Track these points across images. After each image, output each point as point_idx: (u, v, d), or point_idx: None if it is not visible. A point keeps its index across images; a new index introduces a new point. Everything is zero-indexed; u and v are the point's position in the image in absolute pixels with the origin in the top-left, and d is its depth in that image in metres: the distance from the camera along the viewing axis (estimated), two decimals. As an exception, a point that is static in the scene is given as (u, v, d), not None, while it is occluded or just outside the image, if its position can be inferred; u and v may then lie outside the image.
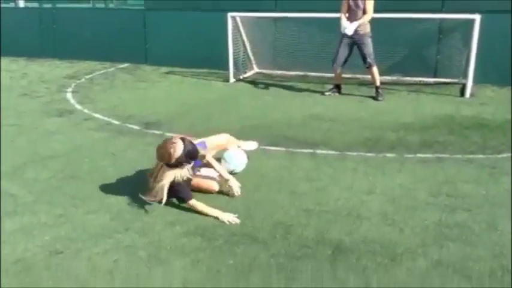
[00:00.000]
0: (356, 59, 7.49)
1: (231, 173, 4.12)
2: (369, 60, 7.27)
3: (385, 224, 3.41)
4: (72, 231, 3.38)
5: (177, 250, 3.10)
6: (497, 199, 3.80)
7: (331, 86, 7.80)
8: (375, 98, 7.38)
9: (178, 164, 3.62)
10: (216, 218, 3.50)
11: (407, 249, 3.08)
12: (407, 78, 8.20)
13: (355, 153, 4.89)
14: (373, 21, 7.29)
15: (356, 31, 7.17)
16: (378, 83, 7.43)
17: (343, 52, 7.36)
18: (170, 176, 3.61)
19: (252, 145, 4.88)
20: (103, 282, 2.79)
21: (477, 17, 7.09)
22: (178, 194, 3.69)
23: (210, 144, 4.23)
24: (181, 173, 3.64)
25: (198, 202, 3.63)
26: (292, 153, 4.94)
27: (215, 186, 3.96)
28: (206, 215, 3.55)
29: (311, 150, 4.98)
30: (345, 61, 7.46)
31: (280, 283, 2.76)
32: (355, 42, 7.27)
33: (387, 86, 7.99)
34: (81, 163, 4.71)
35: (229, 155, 4.32)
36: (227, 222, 3.44)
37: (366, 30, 7.24)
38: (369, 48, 7.25)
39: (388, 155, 4.85)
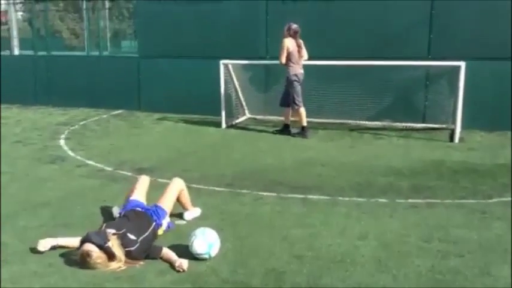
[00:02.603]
0: (349, 105, 7.69)
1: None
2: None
3: (379, 271, 3.40)
4: (62, 280, 3.32)
5: (168, 299, 3.06)
6: (489, 244, 3.81)
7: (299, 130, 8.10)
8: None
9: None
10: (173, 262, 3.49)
11: (400, 296, 3.06)
12: (397, 124, 8.36)
13: (346, 198, 4.91)
14: (359, 68, 7.54)
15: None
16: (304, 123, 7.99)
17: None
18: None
19: (197, 212, 4.51)
20: (92, 334, 2.73)
21: (462, 64, 7.31)
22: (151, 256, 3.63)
23: (168, 207, 4.17)
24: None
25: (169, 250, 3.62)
26: (284, 198, 4.95)
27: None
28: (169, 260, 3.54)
29: (303, 196, 5.00)
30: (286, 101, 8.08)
31: (273, 333, 2.72)
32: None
33: (377, 131, 8.12)
34: (72, 210, 4.68)
35: (210, 245, 3.60)
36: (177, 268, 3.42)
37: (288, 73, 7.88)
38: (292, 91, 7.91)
39: (380, 200, 4.87)
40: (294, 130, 8.11)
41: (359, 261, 3.53)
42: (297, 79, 7.87)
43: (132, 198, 4.17)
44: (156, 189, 4.72)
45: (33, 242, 3.75)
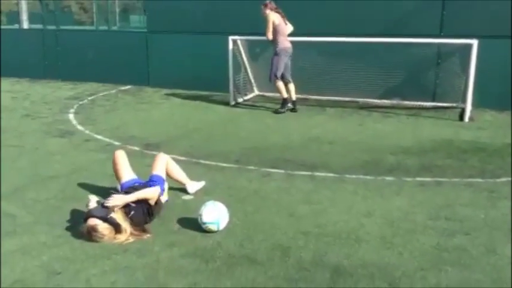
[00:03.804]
0: (359, 82, 7.60)
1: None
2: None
3: (384, 248, 3.41)
4: (71, 251, 3.38)
5: (174, 272, 3.10)
6: (496, 223, 3.80)
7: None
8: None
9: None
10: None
11: (405, 273, 3.08)
12: (406, 102, 8.27)
13: (354, 176, 4.91)
14: (370, 45, 7.43)
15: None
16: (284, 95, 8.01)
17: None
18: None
19: (200, 184, 4.48)
20: (100, 304, 2.78)
21: (475, 42, 7.19)
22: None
23: (160, 172, 4.17)
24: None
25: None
26: (291, 175, 4.96)
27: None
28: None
29: (310, 173, 5.00)
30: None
31: (278, 306, 2.76)
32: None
33: (386, 110, 8.05)
34: (81, 184, 4.72)
35: (219, 215, 3.66)
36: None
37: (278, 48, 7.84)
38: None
39: (387, 178, 4.86)
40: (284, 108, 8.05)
41: (364, 238, 3.54)
42: (285, 53, 7.85)
43: (123, 181, 4.11)
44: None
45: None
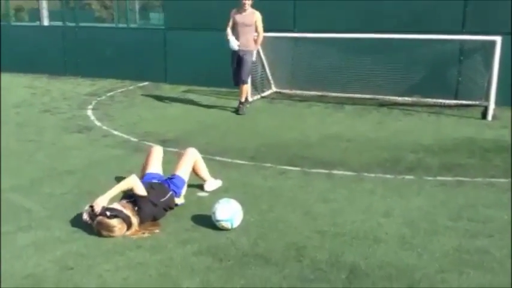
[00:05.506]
0: (379, 79, 7.46)
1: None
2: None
3: (403, 248, 3.31)
4: (84, 247, 3.36)
5: (187, 270, 3.05)
6: (520, 225, 3.67)
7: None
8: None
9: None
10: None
11: (425, 276, 2.97)
12: (428, 100, 8.10)
13: (372, 175, 4.80)
14: (391, 42, 7.29)
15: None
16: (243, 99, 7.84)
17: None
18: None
19: (217, 183, 4.45)
20: (112, 301, 2.74)
21: (498, 39, 7.00)
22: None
23: (185, 176, 4.14)
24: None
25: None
26: (308, 173, 4.88)
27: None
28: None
29: (327, 171, 4.91)
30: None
31: (292, 307, 2.68)
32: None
33: (407, 107, 7.90)
34: (97, 179, 4.71)
35: (233, 213, 3.60)
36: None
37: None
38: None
39: (407, 177, 4.74)
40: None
41: (383, 239, 3.45)
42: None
43: (148, 171, 4.15)
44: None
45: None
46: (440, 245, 3.35)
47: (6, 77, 11.41)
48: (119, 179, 4.56)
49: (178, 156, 4.36)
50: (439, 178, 4.70)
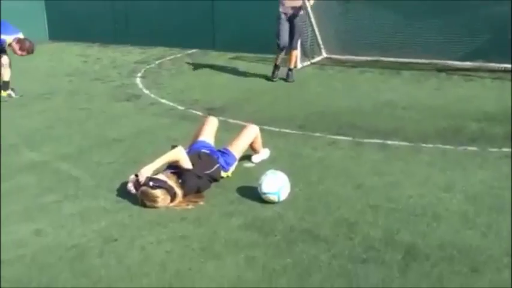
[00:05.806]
0: (437, 43, 6.98)
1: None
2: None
3: (465, 227, 3.04)
4: (128, 218, 3.31)
5: (231, 244, 2.93)
6: None
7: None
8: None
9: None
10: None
11: (490, 258, 2.71)
12: (491, 65, 7.52)
13: (431, 145, 4.50)
14: (450, 2, 6.81)
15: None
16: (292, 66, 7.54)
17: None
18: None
19: (265, 154, 4.30)
20: (154, 274, 2.67)
21: None
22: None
23: (238, 153, 3.99)
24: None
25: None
26: (360, 143, 4.63)
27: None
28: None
29: (381, 141, 4.65)
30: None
31: (342, 288, 2.51)
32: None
33: (468, 73, 7.40)
34: (143, 148, 4.68)
35: (280, 186, 3.45)
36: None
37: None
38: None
39: (469, 148, 4.42)
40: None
41: (443, 216, 3.19)
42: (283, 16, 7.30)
43: (200, 139, 4.05)
44: (226, 131, 4.59)
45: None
46: (507, 224, 3.06)
47: (60, 45, 11.64)
48: (166, 149, 4.50)
49: (239, 130, 4.20)
50: (504, 149, 4.35)
